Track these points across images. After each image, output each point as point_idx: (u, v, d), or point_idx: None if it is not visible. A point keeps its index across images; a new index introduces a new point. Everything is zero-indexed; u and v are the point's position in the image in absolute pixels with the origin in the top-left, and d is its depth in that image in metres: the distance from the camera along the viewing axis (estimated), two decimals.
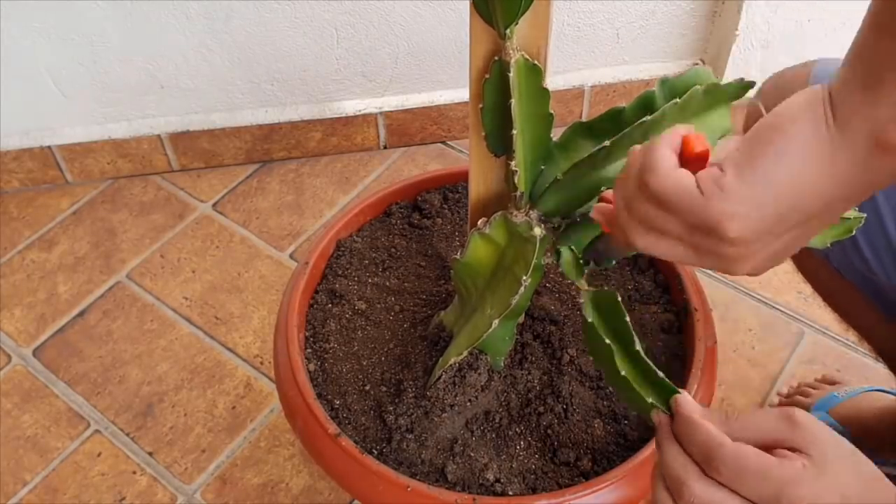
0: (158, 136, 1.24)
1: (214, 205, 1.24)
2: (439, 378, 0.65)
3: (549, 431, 0.66)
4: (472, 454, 0.65)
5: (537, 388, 0.68)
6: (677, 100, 0.52)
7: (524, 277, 0.53)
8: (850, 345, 1.03)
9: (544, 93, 0.54)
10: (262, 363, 1.05)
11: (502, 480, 0.64)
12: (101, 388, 1.03)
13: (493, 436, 0.67)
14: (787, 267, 1.12)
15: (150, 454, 0.97)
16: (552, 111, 0.55)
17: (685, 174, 0.41)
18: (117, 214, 1.23)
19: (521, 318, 0.69)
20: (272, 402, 1.00)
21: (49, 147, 1.22)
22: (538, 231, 0.55)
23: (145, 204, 1.24)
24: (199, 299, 1.12)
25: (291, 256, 1.17)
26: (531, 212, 0.56)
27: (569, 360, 0.69)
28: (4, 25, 1.09)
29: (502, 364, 0.68)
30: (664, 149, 0.42)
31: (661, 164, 0.41)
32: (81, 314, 1.11)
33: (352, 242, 0.80)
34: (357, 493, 0.63)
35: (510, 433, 0.66)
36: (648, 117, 0.52)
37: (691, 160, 0.42)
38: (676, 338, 0.72)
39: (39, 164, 1.24)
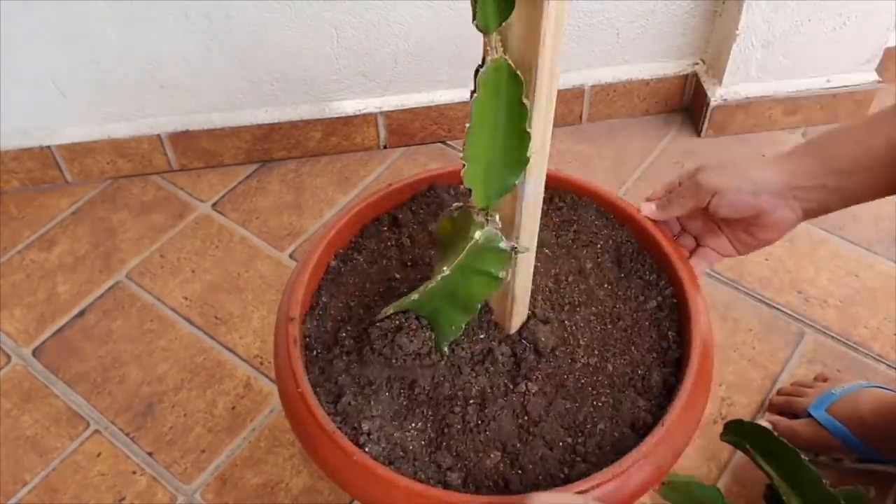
0: (158, 135, 1.24)
1: (214, 205, 1.24)
2: (382, 320, 0.66)
3: (446, 430, 0.66)
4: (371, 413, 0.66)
5: (473, 392, 0.68)
6: None
7: (477, 233, 0.56)
8: (851, 345, 1.03)
9: (522, 108, 0.53)
10: (262, 363, 1.05)
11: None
12: (101, 388, 1.03)
13: (400, 407, 0.68)
14: (789, 266, 1.12)
15: (150, 454, 0.97)
16: (529, 129, 0.53)
17: None
18: (117, 214, 1.23)
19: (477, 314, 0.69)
20: (272, 402, 1.00)
21: (49, 147, 1.22)
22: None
23: (145, 204, 1.24)
24: (198, 299, 1.12)
25: (291, 256, 1.17)
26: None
27: (522, 392, 0.68)
28: (4, 26, 1.09)
29: (445, 349, 0.68)
30: None
31: None
32: (81, 314, 1.11)
33: (351, 243, 0.80)
34: (357, 493, 0.63)
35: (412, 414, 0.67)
36: None
37: None
38: (676, 338, 0.72)
39: (39, 164, 1.24)
